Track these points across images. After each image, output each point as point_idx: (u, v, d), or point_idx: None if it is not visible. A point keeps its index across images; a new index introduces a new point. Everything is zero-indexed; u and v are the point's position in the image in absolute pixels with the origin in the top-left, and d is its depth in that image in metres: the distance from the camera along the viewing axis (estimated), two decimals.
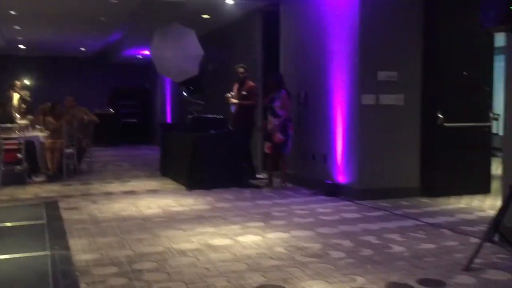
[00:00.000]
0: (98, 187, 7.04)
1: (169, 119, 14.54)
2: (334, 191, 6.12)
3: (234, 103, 7.34)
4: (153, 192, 6.58)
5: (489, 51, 6.16)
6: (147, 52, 11.36)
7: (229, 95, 7.40)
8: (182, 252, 3.74)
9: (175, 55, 7.84)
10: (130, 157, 11.76)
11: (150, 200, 5.97)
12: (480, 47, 6.00)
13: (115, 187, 7.03)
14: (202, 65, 8.54)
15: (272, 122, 6.66)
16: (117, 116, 15.43)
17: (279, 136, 6.63)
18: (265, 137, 6.90)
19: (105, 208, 5.47)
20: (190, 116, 7.38)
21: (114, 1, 8.11)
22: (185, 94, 8.23)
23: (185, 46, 7.84)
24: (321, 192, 6.26)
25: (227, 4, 8.02)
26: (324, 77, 6.49)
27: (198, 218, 4.91)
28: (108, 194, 6.40)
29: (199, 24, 9.47)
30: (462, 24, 5.74)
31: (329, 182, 6.25)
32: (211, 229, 4.45)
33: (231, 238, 4.13)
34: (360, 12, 5.74)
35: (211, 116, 7.46)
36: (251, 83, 7.56)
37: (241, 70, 7.42)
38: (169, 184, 7.25)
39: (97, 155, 10.02)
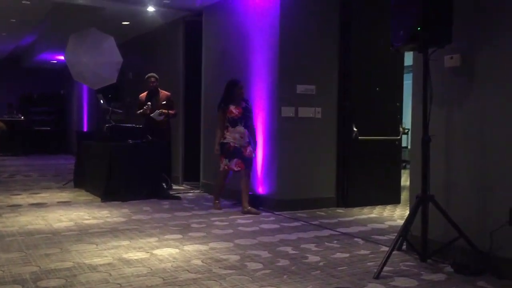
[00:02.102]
0: (3, 199, 6.55)
1: (85, 128, 13.95)
2: (254, 202, 6.14)
3: (164, 113, 7.18)
4: (65, 204, 6.24)
5: (400, 69, 6.54)
6: (62, 57, 10.84)
7: (149, 106, 7.23)
8: (94, 268, 3.55)
9: (91, 61, 7.55)
10: (42, 167, 11.10)
11: (61, 212, 5.65)
12: (392, 65, 6.35)
13: (22, 199, 6.58)
14: (121, 73, 8.29)
15: (246, 134, 5.83)
16: (28, 123, 14.55)
17: (251, 150, 5.87)
18: (230, 153, 5.78)
19: (10, 222, 5.09)
20: (107, 125, 7.10)
21: (26, 2, 7.67)
22: (102, 102, 7.92)
23: (102, 52, 7.57)
24: (241, 204, 6.25)
25: (148, 12, 7.87)
26: (245, 88, 6.52)
27: (113, 231, 4.71)
28: (15, 207, 5.97)
29: (119, 30, 9.22)
30: (375, 43, 6.03)
31: (249, 193, 6.26)
32: (126, 243, 4.28)
33: (147, 252, 3.99)
34: (281, 27, 5.86)
35: (129, 125, 7.24)
36: (165, 92, 7.46)
37: (153, 79, 7.31)
38: (83, 195, 6.92)
39: (5, 164, 9.35)
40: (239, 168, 5.78)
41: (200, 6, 7.54)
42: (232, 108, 5.79)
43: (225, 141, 5.80)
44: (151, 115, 7.19)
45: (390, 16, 3.71)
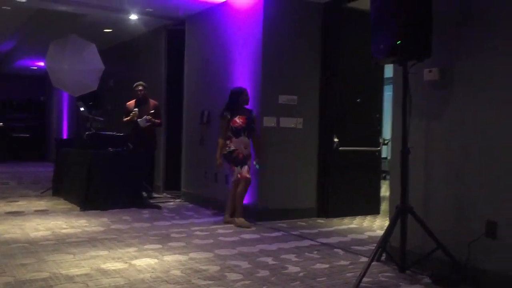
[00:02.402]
0: None
1: (65, 135, 13.78)
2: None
3: (150, 120, 7.12)
4: (42, 212, 6.13)
5: (380, 81, 6.63)
6: (43, 64, 10.71)
7: (136, 113, 7.17)
8: (70, 278, 3.49)
9: (72, 68, 7.47)
10: (20, 175, 10.92)
11: (39, 221, 5.55)
12: (372, 77, 6.43)
13: None
14: (102, 80, 8.22)
15: (250, 145, 5.64)
16: (7, 130, 14.31)
17: (256, 162, 5.71)
18: (240, 160, 5.55)
19: None
20: (87, 133, 7.02)
21: (6, 7, 7.57)
22: (82, 109, 7.83)
23: (83, 59, 7.50)
24: (222, 213, 6.23)
25: (131, 19, 7.84)
26: (227, 98, 6.53)
27: (91, 241, 4.64)
28: None
29: (101, 37, 9.16)
30: (356, 55, 6.10)
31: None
32: (104, 252, 4.22)
33: (125, 262, 3.94)
34: (263, 38, 5.90)
35: (110, 133, 7.18)
36: (154, 101, 7.44)
37: (141, 88, 7.27)
38: (62, 204, 6.81)
39: None
40: (248, 176, 5.53)
41: (183, 15, 7.55)
42: (236, 117, 5.56)
43: (231, 149, 5.55)
44: (138, 120, 7.12)
45: (371, 30, 3.76)
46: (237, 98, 5.64)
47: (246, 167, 5.55)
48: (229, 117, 5.59)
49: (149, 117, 7.11)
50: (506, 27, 3.41)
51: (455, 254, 3.54)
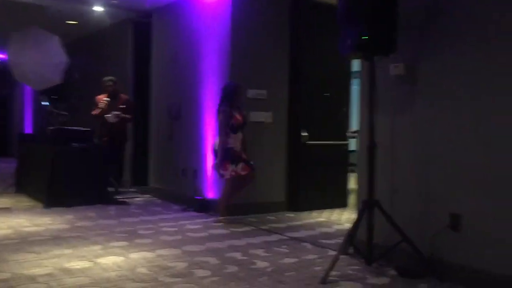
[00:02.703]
0: None
1: (29, 130, 13.39)
2: (204, 207, 6.09)
3: (119, 116, 6.97)
4: (4, 210, 5.93)
5: (348, 75, 6.68)
6: (4, 57, 10.35)
7: (104, 105, 7.01)
8: (32, 278, 3.39)
9: (35, 61, 7.24)
10: None
11: (0, 219, 5.37)
12: (340, 71, 6.47)
13: None
14: (67, 73, 8.01)
15: (244, 141, 5.54)
16: None
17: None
18: (235, 158, 5.42)
19: None
20: (51, 128, 6.83)
21: None
22: (46, 103, 7.62)
23: (46, 52, 7.28)
24: (191, 208, 6.19)
25: (95, 11, 7.65)
26: (196, 92, 6.48)
27: (55, 239, 4.52)
28: None
29: (65, 30, 8.91)
30: (325, 49, 6.11)
31: (199, 197, 6.21)
32: (68, 251, 4.11)
33: (90, 260, 3.85)
34: (232, 32, 5.85)
35: (75, 128, 7.00)
36: (125, 95, 7.29)
37: (111, 83, 7.13)
38: (25, 201, 6.62)
39: None
40: (246, 172, 5.43)
41: (150, 8, 7.42)
42: (236, 114, 5.45)
43: (229, 146, 5.40)
44: (106, 116, 6.97)
45: (338, 25, 3.77)
46: (237, 94, 5.50)
47: (241, 164, 5.42)
48: (230, 113, 5.42)
49: (117, 112, 6.97)
50: (463, 27, 3.48)
51: (420, 247, 3.60)
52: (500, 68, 3.28)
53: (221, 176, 5.51)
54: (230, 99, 5.46)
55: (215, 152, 5.52)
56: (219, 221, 5.48)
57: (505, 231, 3.20)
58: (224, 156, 5.41)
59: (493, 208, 3.28)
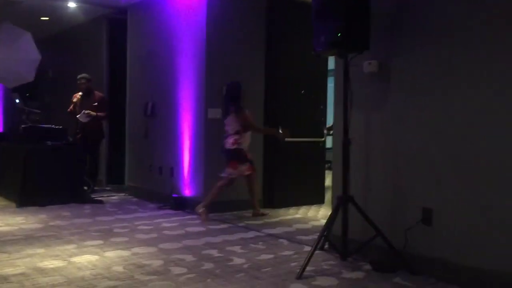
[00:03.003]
0: None
1: (0, 128, 13.09)
2: (181, 205, 6.06)
3: (90, 115, 6.88)
4: None
5: (324, 73, 6.73)
6: None
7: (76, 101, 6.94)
8: (5, 278, 3.33)
9: (6, 58, 7.09)
10: None
11: None
12: (316, 69, 6.51)
13: None
14: (40, 71, 7.86)
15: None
16: None
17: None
18: (244, 158, 5.50)
19: None
20: (23, 126, 6.70)
21: None
22: (17, 101, 7.47)
23: (18, 48, 7.13)
24: (167, 206, 6.16)
25: (69, 7, 7.53)
26: (172, 89, 6.44)
27: (28, 239, 4.45)
28: None
29: (38, 26, 8.75)
30: (300, 46, 6.13)
31: (175, 195, 6.18)
32: (41, 250, 4.05)
33: (64, 259, 3.80)
34: (207, 28, 5.83)
35: (48, 126, 6.89)
36: (99, 93, 7.21)
37: (83, 81, 7.05)
38: None
39: None
40: (249, 172, 5.53)
41: (125, 4, 7.33)
42: (248, 112, 5.50)
43: (241, 146, 5.43)
44: (77, 116, 6.89)
45: (312, 22, 3.79)
46: (240, 93, 5.48)
47: (247, 164, 5.50)
48: (245, 113, 5.46)
49: (88, 111, 6.88)
50: (431, 25, 3.55)
51: (393, 241, 3.66)
52: (466, 64, 3.36)
53: (229, 175, 5.48)
54: (239, 97, 5.46)
55: (229, 152, 5.44)
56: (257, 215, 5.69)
57: (474, 224, 3.28)
58: (235, 156, 5.43)
59: (462, 201, 3.36)
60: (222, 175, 5.49)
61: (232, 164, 5.46)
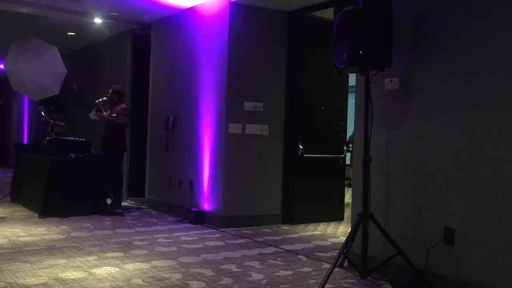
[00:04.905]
0: None
1: (25, 140, 13.38)
2: (200, 219, 6.09)
3: (98, 112, 6.96)
4: None
5: (344, 88, 6.72)
6: (1, 66, 10.39)
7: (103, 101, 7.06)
8: None
9: (33, 71, 7.27)
10: None
11: None
12: (337, 85, 6.52)
13: None
14: (65, 84, 8.04)
15: None
16: None
17: None
18: None
19: None
20: (48, 138, 6.84)
21: None
22: (43, 114, 7.64)
23: (45, 62, 7.31)
24: (186, 220, 6.19)
25: (95, 23, 7.71)
26: (193, 104, 6.52)
27: (49, 249, 4.51)
28: None
29: (64, 40, 8.97)
30: (322, 63, 6.17)
31: (194, 209, 6.21)
32: (63, 261, 4.11)
33: (85, 271, 3.85)
34: (229, 44, 5.90)
35: (72, 138, 7.01)
36: (123, 105, 7.25)
37: (110, 91, 7.16)
38: (20, 211, 6.61)
39: None
40: None
41: (149, 20, 7.48)
42: None
43: None
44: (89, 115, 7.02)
45: (333, 39, 3.82)
46: None
47: None
48: None
49: (95, 113, 6.96)
50: (452, 42, 3.53)
51: (414, 260, 3.61)
52: (487, 81, 3.33)
53: None
54: None
55: None
56: None
57: (497, 245, 3.22)
58: None
59: (485, 221, 3.30)
60: None
61: None
